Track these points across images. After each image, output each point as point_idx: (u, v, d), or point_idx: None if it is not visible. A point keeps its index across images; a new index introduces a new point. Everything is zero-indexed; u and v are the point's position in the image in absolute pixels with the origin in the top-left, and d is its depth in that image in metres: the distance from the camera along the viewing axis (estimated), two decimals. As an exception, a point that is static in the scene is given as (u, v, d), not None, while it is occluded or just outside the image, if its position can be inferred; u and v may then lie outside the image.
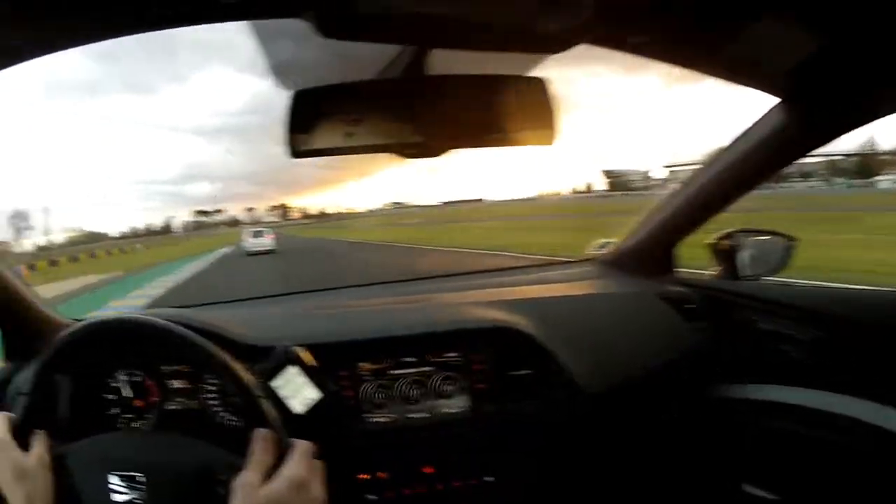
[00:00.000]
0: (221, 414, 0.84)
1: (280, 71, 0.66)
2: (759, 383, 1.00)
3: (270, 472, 0.59)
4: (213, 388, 0.85)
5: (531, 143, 0.65)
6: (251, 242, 20.12)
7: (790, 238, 1.09)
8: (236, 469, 0.58)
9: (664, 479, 1.03)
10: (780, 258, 1.09)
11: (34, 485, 0.60)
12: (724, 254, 1.12)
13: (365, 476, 0.84)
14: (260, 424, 0.63)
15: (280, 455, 0.60)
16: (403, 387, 0.86)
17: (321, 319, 0.99)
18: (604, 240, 1.31)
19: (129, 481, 0.60)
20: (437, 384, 0.87)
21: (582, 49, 0.65)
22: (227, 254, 21.92)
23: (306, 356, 0.73)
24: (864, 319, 0.91)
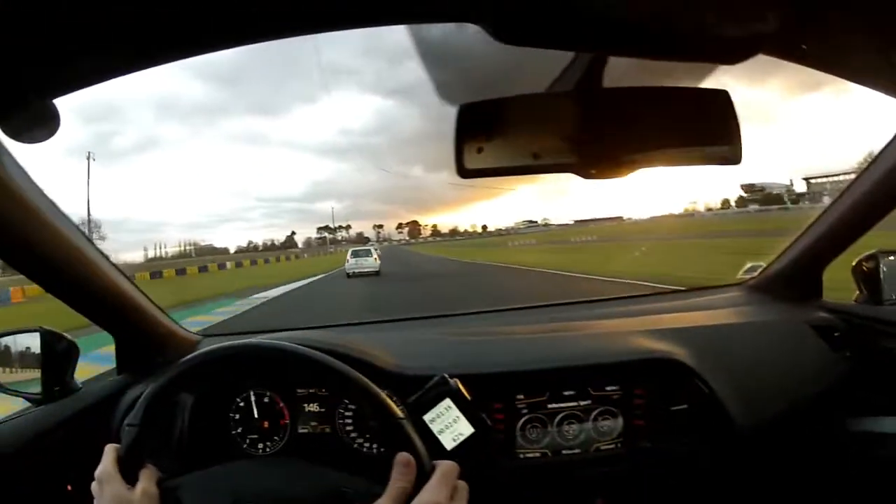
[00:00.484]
0: (357, 440, 0.83)
1: (444, 83, 0.63)
2: None
3: (409, 499, 0.55)
4: (350, 413, 0.83)
5: (717, 162, 0.59)
6: (350, 263, 17.53)
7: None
8: (373, 497, 0.55)
9: None
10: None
11: None
12: (867, 276, 1.03)
13: None
14: (402, 449, 0.59)
15: (421, 481, 0.56)
16: (560, 421, 0.82)
17: (469, 347, 0.95)
18: (751, 263, 1.23)
19: None
20: (595, 419, 0.82)
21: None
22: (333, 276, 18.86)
23: (462, 389, 0.68)
24: None
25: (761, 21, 0.51)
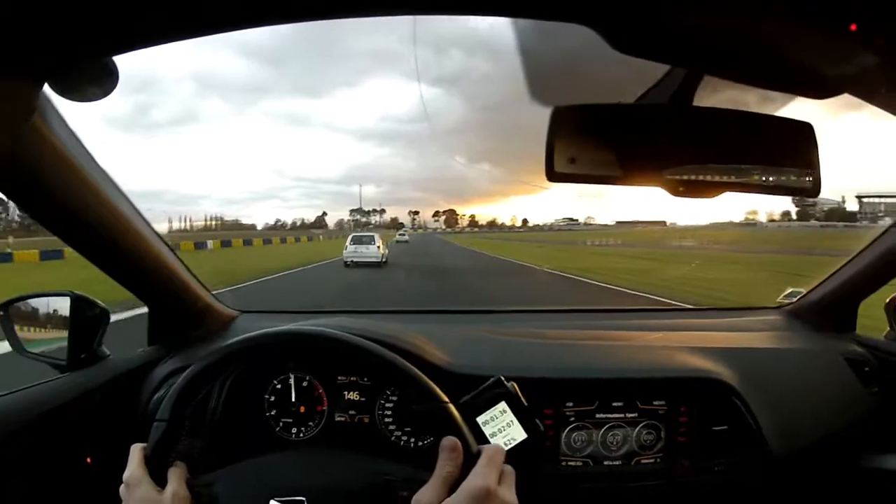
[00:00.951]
0: (395, 432, 0.82)
1: (539, 81, 0.62)
2: None
3: (456, 485, 0.53)
4: (391, 405, 0.82)
5: (796, 194, 0.60)
6: (349, 250, 15.28)
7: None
8: (417, 483, 0.54)
9: None
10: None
11: None
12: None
13: None
14: (448, 434, 0.58)
15: (468, 465, 0.55)
16: (605, 432, 0.82)
17: (517, 348, 0.95)
18: (792, 289, 1.26)
19: None
20: (639, 432, 0.83)
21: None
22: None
23: (519, 393, 0.66)
24: None
25: (855, 63, 0.52)
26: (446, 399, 0.60)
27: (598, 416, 0.82)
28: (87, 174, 0.67)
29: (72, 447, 0.79)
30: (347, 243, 15.80)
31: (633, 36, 0.51)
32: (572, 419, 0.82)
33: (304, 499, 0.56)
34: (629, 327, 1.09)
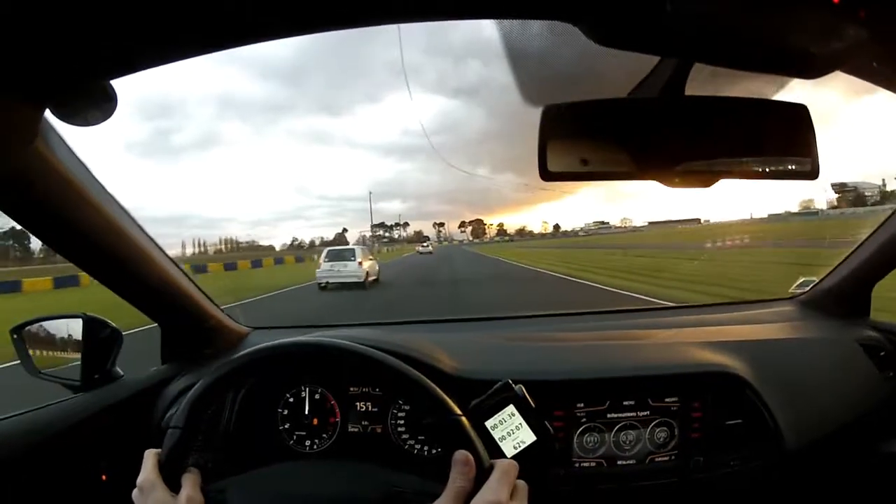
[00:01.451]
0: (409, 442, 0.82)
1: (528, 83, 0.62)
2: None
3: (469, 499, 0.53)
4: (403, 415, 0.82)
5: (795, 177, 0.59)
6: (323, 269, 12.46)
7: None
8: (431, 497, 0.53)
9: None
10: None
11: None
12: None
13: None
14: (460, 447, 0.58)
15: (481, 479, 0.55)
16: (618, 431, 0.81)
17: (527, 352, 0.94)
18: (804, 278, 1.24)
19: None
20: (652, 431, 0.81)
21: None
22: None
23: (527, 396, 0.66)
24: None
25: (842, 38, 0.51)
26: (459, 412, 0.60)
27: (609, 415, 0.81)
28: (93, 196, 0.68)
29: (87, 465, 0.80)
30: (321, 259, 12.63)
31: (618, 30, 0.51)
32: (584, 420, 0.81)
33: None
34: (640, 326, 1.08)
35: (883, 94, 0.71)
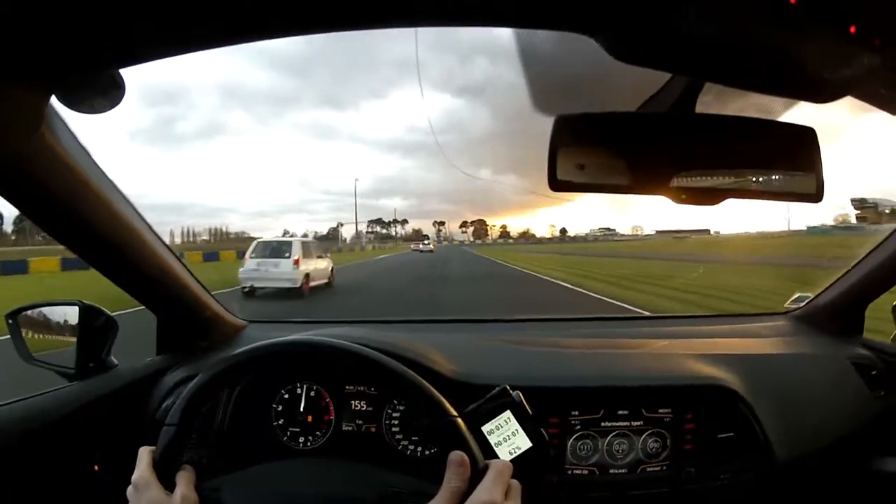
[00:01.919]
0: (402, 441, 0.82)
1: (541, 91, 0.62)
2: None
3: (464, 499, 0.53)
4: (398, 414, 0.82)
5: (798, 199, 0.60)
6: (248, 268, 9.31)
7: None
8: (426, 497, 0.54)
9: None
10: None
11: None
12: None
13: None
14: (455, 448, 0.58)
15: (475, 480, 0.55)
16: (611, 440, 0.82)
17: (524, 357, 0.94)
18: (799, 294, 1.25)
19: None
20: (645, 440, 0.82)
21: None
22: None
23: (524, 402, 0.67)
24: None
25: (855, 65, 0.52)
26: (454, 413, 0.60)
27: (603, 424, 0.82)
28: (95, 185, 0.68)
29: (80, 455, 0.80)
30: (248, 254, 9.66)
31: (634, 45, 0.51)
32: (578, 427, 0.81)
33: None
34: (636, 335, 1.08)
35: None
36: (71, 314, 0.84)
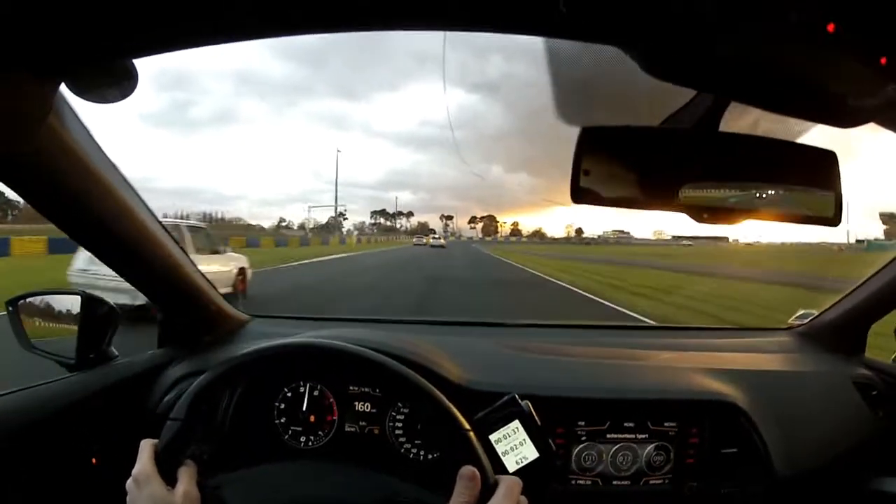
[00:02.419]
0: (405, 444, 0.82)
1: (567, 101, 0.61)
2: None
3: None
4: (402, 417, 0.82)
5: (817, 223, 0.60)
6: (75, 269, 5.59)
7: None
8: None
9: None
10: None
11: None
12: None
13: None
14: (465, 460, 0.58)
15: (485, 495, 0.55)
16: (616, 452, 0.82)
17: (532, 364, 0.94)
18: (803, 310, 1.26)
19: None
20: (649, 453, 0.83)
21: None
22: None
23: (533, 412, 0.67)
24: None
25: (883, 95, 0.52)
26: (467, 426, 0.60)
27: (609, 435, 0.82)
28: (102, 175, 0.66)
29: (78, 447, 0.79)
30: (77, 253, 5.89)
31: (666, 61, 0.50)
32: (583, 438, 0.82)
33: None
34: (644, 345, 1.09)
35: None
36: (73, 303, 0.83)
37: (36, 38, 0.46)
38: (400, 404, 0.82)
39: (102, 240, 0.73)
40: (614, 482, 0.82)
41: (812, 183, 0.60)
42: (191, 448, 0.60)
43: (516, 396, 0.66)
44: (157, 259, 0.80)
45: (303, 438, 0.83)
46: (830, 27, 0.43)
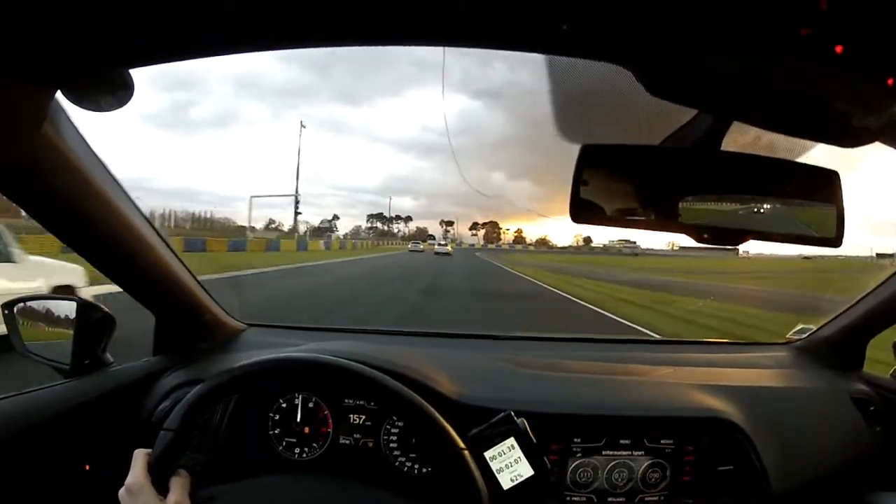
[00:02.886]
0: (400, 458, 0.81)
1: (567, 118, 0.61)
2: None
3: None
4: (396, 430, 0.82)
5: (818, 244, 0.59)
6: None
7: None
8: None
9: None
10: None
11: None
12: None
13: None
14: (460, 479, 0.59)
15: None
16: (611, 468, 0.81)
17: (527, 380, 0.93)
18: (802, 325, 1.25)
19: None
20: (645, 471, 0.82)
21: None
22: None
23: (528, 430, 0.66)
24: None
25: (885, 115, 0.51)
26: (462, 445, 0.60)
27: (605, 452, 0.82)
28: (98, 182, 0.66)
29: (72, 454, 0.78)
30: None
31: (669, 80, 0.50)
32: (579, 455, 0.81)
33: None
34: (641, 360, 1.08)
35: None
36: (68, 308, 0.82)
37: (33, 47, 0.46)
38: (395, 417, 0.82)
39: (97, 246, 0.73)
40: (609, 499, 0.82)
41: (814, 203, 0.59)
42: (184, 458, 0.60)
43: (512, 414, 0.66)
44: (152, 265, 0.79)
45: (297, 450, 0.83)
46: (839, 49, 0.42)
